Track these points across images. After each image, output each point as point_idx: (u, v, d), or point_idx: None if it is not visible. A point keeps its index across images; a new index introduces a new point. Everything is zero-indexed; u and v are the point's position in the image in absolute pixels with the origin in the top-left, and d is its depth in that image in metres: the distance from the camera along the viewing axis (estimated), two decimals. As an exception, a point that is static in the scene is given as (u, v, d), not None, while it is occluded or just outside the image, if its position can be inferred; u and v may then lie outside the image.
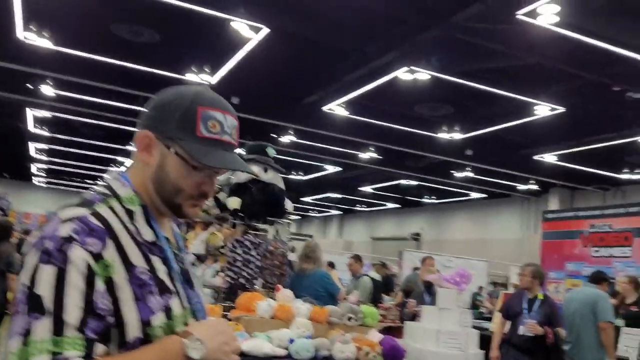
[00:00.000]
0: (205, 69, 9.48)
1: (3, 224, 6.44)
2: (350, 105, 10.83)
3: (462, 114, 10.96)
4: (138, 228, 1.20)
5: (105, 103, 11.90)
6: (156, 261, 1.20)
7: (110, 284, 1.10)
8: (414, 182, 17.85)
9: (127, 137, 15.59)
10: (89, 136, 15.95)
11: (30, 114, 13.87)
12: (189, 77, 9.72)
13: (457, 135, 11.79)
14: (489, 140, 12.33)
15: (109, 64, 9.62)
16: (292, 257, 4.80)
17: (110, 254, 1.11)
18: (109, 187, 1.26)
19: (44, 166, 22.34)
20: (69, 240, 1.08)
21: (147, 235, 1.22)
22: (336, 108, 10.95)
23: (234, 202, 4.62)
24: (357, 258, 7.99)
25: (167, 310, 1.17)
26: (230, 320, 3.81)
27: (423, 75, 8.75)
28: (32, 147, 18.51)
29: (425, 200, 21.33)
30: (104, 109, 12.27)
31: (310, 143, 13.55)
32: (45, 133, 15.69)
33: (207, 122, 1.25)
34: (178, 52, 9.10)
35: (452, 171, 15.47)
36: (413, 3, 7.19)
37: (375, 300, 7.29)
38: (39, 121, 14.71)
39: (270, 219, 4.86)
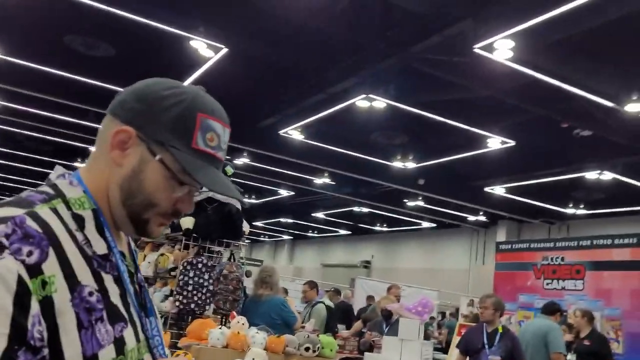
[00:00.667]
0: (161, 87, 9.29)
1: None
2: (307, 129, 10.83)
3: (417, 143, 11.12)
4: (88, 237, 0.97)
5: (54, 117, 11.53)
6: (108, 280, 0.98)
7: (47, 306, 0.85)
8: (366, 209, 17.94)
9: (76, 154, 15.14)
10: (34, 150, 15.39)
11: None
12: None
13: (411, 165, 11.94)
14: (441, 171, 12.52)
15: (60, 77, 9.33)
16: (247, 282, 4.62)
17: (50, 267, 0.87)
18: (53, 186, 1.00)
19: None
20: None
21: (99, 247, 0.98)
22: (292, 132, 10.93)
23: (187, 222, 4.41)
24: (313, 284, 7.70)
25: (119, 343, 0.95)
26: (179, 348, 3.61)
27: (380, 103, 8.83)
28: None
29: (377, 227, 21.46)
30: (53, 123, 11.90)
31: (265, 166, 13.46)
32: (-12, 145, 15.06)
33: (205, 133, 1.05)
34: (133, 67, 8.89)
35: (405, 200, 15.64)
36: (373, 30, 7.27)
37: (329, 329, 7.12)
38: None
39: (225, 240, 4.66)
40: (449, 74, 7.69)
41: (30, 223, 0.88)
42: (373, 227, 21.49)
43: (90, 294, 0.92)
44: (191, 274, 4.24)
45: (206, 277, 4.28)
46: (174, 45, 7.71)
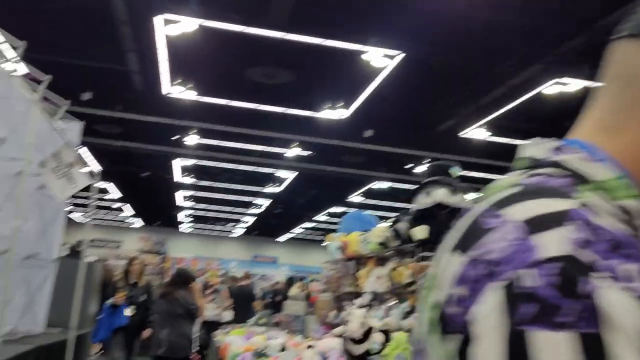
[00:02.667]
0: (340, 104, 9.47)
1: (183, 273, 6.93)
2: (490, 127, 10.25)
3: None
4: None
5: (243, 147, 12.35)
6: None
7: None
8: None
9: (265, 180, 16.10)
10: (228, 180, 16.67)
11: (178, 164, 14.76)
12: (325, 113, 9.77)
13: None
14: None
15: (245, 109, 9.95)
16: None
17: None
18: (555, 165, 0.64)
19: (190, 212, 23.73)
20: (580, 266, 0.48)
21: None
22: (474, 132, 10.41)
23: (421, 232, 4.14)
24: None
25: None
26: None
27: (573, 86, 8.04)
28: (179, 196, 19.72)
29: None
30: (242, 153, 12.75)
31: (447, 171, 13.01)
32: (190, 181, 16.63)
33: None
34: (312, 89, 9.18)
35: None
36: (550, 12, 6.63)
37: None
38: (185, 170, 15.62)
39: None
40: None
41: (599, 221, 0.52)
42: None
43: None
44: None
45: None
46: (350, 60, 7.77)
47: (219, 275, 12.22)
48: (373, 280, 4.78)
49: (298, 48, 7.47)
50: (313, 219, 22.28)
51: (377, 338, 3.26)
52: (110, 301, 6.77)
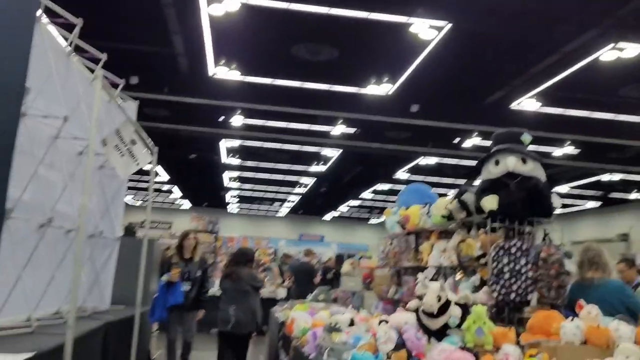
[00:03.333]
0: (385, 79, 9.31)
1: (245, 251, 7.07)
2: (542, 97, 9.91)
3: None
4: None
5: (288, 126, 12.34)
6: None
7: None
8: (619, 175, 15.93)
9: (310, 158, 16.09)
10: (273, 160, 16.72)
11: (224, 145, 14.89)
12: (370, 89, 9.63)
13: (673, 117, 10.21)
14: None
15: (290, 88, 9.91)
16: (568, 265, 3.96)
17: None
18: None
19: (236, 193, 23.99)
20: None
21: None
22: (526, 103, 10.09)
23: (491, 202, 3.92)
24: (631, 263, 6.26)
25: None
26: (521, 346, 3.09)
27: (631, 51, 7.65)
28: (226, 177, 19.94)
29: (633, 195, 18.97)
30: (287, 132, 12.73)
31: (497, 144, 12.68)
32: (237, 162, 16.76)
33: None
34: (357, 65, 9.05)
35: (666, 160, 13.50)
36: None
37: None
38: (231, 151, 15.75)
39: (534, 219, 4.02)
40: None
41: None
42: (627, 196, 19.05)
43: None
44: (505, 260, 3.79)
45: (523, 262, 3.79)
46: (395, 33, 7.60)
47: (268, 254, 12.35)
48: (437, 254, 4.65)
49: (342, 23, 7.35)
50: (359, 196, 22.18)
51: (455, 312, 3.13)
52: (164, 278, 6.48)
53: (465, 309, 3.17)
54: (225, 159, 16.42)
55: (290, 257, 13.16)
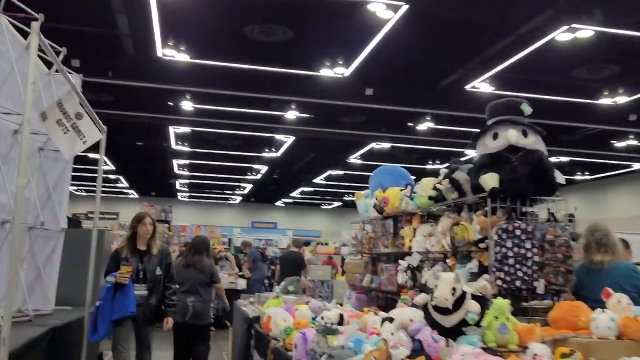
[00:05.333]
0: (339, 62, 9.08)
1: (203, 240, 6.58)
2: (496, 80, 9.90)
3: (629, 73, 9.60)
4: None
5: (240, 111, 11.98)
6: None
7: None
8: (566, 158, 16.30)
9: (262, 144, 15.75)
10: (225, 147, 16.31)
11: (172, 131, 14.37)
12: (323, 72, 9.39)
13: (622, 99, 10.41)
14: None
15: (242, 71, 9.54)
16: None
17: None
18: None
19: (186, 181, 23.42)
20: None
21: None
22: (480, 85, 10.07)
23: (490, 180, 3.51)
24: (626, 244, 5.72)
25: None
26: (544, 342, 2.59)
27: (585, 32, 7.69)
28: (176, 164, 19.37)
29: (578, 177, 19.51)
30: (239, 117, 12.37)
31: (450, 128, 12.73)
32: (186, 149, 16.27)
33: None
34: (312, 47, 8.78)
35: (612, 141, 13.88)
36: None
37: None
38: (180, 138, 15.24)
39: (537, 197, 3.63)
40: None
41: None
42: (573, 177, 19.58)
43: None
44: (509, 244, 3.41)
45: (528, 245, 3.42)
46: (351, 14, 7.38)
47: (222, 242, 12.01)
48: (421, 238, 4.28)
49: (298, 2, 7.07)
50: (312, 182, 22.01)
51: (473, 306, 2.63)
52: (110, 278, 4.65)
53: (484, 302, 2.72)
54: (174, 145, 15.90)
55: (249, 246, 12.82)
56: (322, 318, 2.99)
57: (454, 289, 2.64)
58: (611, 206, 19.49)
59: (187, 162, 18.93)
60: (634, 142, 13.58)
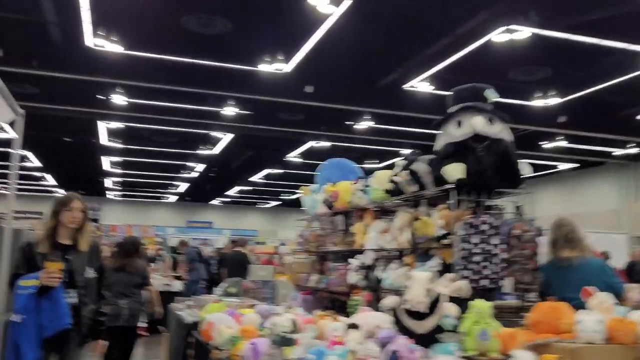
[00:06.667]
0: (279, 57, 8.89)
1: (134, 241, 6.24)
2: (434, 80, 9.98)
3: (561, 76, 9.91)
4: None
5: (175, 106, 11.57)
6: None
7: None
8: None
9: (199, 141, 15.31)
10: (159, 143, 15.76)
11: (103, 127, 13.74)
12: (262, 67, 9.17)
13: (553, 101, 10.74)
14: (588, 103, 11.19)
15: (178, 63, 9.18)
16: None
17: None
18: None
19: (119, 179, 22.54)
20: None
21: None
22: (419, 85, 10.14)
23: (456, 170, 3.30)
24: None
25: None
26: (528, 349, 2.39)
27: (522, 34, 7.85)
28: (106, 161, 18.58)
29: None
30: (174, 112, 11.95)
31: (388, 127, 12.79)
32: (118, 145, 15.61)
33: None
34: (251, 40, 8.54)
35: (541, 142, 14.35)
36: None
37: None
38: (112, 134, 14.59)
39: (501, 190, 3.43)
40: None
41: None
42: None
43: None
44: (476, 240, 3.18)
45: (495, 241, 3.21)
46: (291, 7, 7.20)
47: (156, 242, 11.56)
48: (375, 235, 4.05)
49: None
50: (249, 180, 21.67)
51: (450, 309, 2.40)
52: (29, 282, 3.35)
53: (461, 304, 2.48)
54: (105, 141, 15.22)
55: (186, 245, 12.40)
56: (274, 325, 2.68)
57: (428, 290, 2.42)
58: (540, 205, 20.24)
59: (119, 159, 18.19)
60: (562, 144, 14.09)
